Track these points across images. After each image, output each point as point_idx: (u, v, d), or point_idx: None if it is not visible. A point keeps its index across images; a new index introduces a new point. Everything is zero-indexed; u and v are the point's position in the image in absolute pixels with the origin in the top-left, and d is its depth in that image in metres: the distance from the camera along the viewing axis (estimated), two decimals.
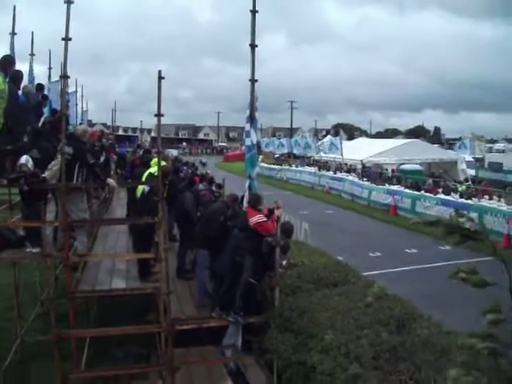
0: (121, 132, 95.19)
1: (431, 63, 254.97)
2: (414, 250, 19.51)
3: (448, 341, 6.90)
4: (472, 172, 39.26)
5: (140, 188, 11.14)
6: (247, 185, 9.80)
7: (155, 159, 12.23)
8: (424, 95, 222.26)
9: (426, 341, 6.90)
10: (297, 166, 50.26)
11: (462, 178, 37.19)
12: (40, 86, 14.74)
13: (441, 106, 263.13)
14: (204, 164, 56.85)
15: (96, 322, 10.16)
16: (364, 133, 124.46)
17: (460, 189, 30.40)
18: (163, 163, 10.92)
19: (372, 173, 39.31)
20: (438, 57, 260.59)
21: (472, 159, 41.22)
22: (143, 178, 11.31)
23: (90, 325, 9.97)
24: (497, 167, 44.51)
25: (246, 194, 9.80)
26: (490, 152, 49.77)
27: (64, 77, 8.60)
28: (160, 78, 8.02)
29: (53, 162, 10.23)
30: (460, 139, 46.42)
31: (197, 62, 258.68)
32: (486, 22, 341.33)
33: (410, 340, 6.94)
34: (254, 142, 9.93)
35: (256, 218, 8.72)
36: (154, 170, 11.28)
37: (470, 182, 34.45)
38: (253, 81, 9.71)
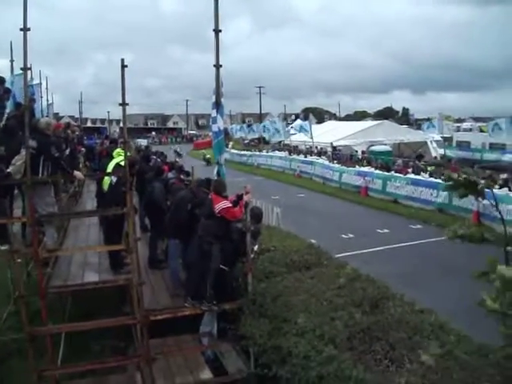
0: (89, 124, 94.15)
1: (397, 45, 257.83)
2: (386, 230, 19.66)
3: (421, 319, 6.97)
4: (441, 151, 39.72)
5: (106, 180, 10.99)
6: (215, 171, 9.73)
7: (118, 150, 12.10)
8: (391, 77, 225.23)
9: (400, 320, 6.96)
10: (267, 151, 50.21)
11: (434, 156, 37.59)
12: (0, 80, 14.39)
13: (408, 87, 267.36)
14: (180, 155, 56.02)
15: (71, 317, 10.01)
16: (333, 116, 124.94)
17: (429, 168, 30.70)
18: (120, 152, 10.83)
19: (342, 155, 39.50)
20: (403, 39, 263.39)
21: (440, 138, 41.66)
22: (109, 169, 11.17)
23: (65, 320, 9.82)
24: (465, 146, 45.06)
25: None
26: (458, 131, 50.30)
27: (25, 69, 8.38)
28: (123, 66, 7.86)
29: (16, 157, 10.03)
30: (428, 119, 46.84)
31: (163, 50, 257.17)
32: (450, 4, 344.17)
33: (383, 319, 6.98)
34: (221, 128, 9.85)
35: (221, 205, 8.67)
36: (119, 159, 11.16)
37: (440, 160, 34.80)
38: (217, 66, 9.60)
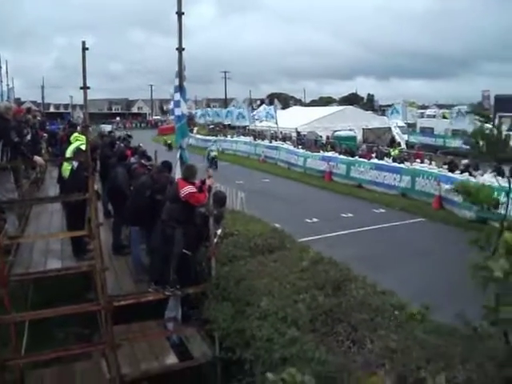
0: (52, 109, 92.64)
1: (362, 32, 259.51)
2: (350, 214, 19.83)
3: (383, 300, 7.05)
4: (404, 137, 40.13)
5: (67, 166, 10.84)
6: (178, 155, 9.67)
7: (75, 134, 11.92)
8: (356, 63, 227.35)
9: (362, 301, 7.03)
10: (232, 137, 50.08)
11: (398, 142, 37.94)
12: None
13: (372, 74, 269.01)
14: (129, 136, 54.86)
15: (34, 306, 9.89)
16: (299, 101, 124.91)
17: (393, 153, 31.00)
18: (83, 138, 10.67)
19: (307, 140, 39.61)
20: (368, 26, 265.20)
21: (404, 125, 42.10)
22: (68, 154, 11.01)
23: (28, 308, 9.70)
24: (428, 132, 45.65)
25: (178, 164, 9.67)
26: (422, 117, 50.89)
27: None
28: (84, 49, 7.77)
29: None
30: (392, 105, 47.31)
31: (126, 34, 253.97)
32: None
33: (345, 302, 7.05)
34: (184, 112, 9.79)
35: (187, 189, 8.61)
36: (77, 144, 11.01)
37: (403, 146, 35.12)
38: (180, 49, 9.53)
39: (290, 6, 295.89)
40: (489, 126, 2.23)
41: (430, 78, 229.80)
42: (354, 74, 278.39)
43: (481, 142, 2.20)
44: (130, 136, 24.63)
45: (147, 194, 10.05)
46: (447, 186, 19.07)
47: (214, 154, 36.09)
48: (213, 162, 33.70)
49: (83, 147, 10.40)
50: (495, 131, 2.17)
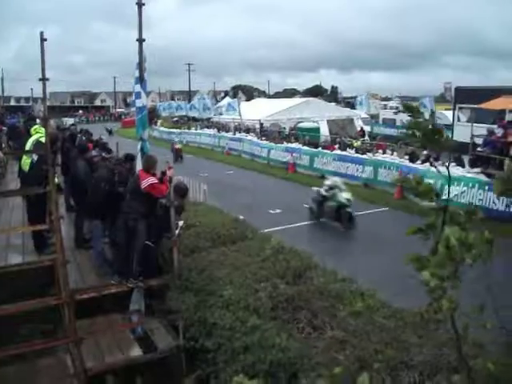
0: (13, 102, 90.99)
1: (324, 24, 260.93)
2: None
3: (343, 288, 7.19)
4: (367, 128, 40.55)
5: (26, 159, 10.72)
6: (139, 147, 9.64)
7: (36, 126, 11.78)
8: (319, 55, 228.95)
9: (322, 289, 7.16)
10: (196, 129, 49.91)
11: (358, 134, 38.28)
12: None
13: (334, 66, 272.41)
14: (110, 132, 54.64)
15: None
16: (263, 93, 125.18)
17: (355, 144, 31.30)
18: (43, 130, 10.57)
19: (270, 132, 39.71)
20: (331, 18, 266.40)
21: (367, 116, 42.54)
22: (27, 147, 10.89)
23: None
24: (390, 123, 46.21)
25: (139, 156, 9.65)
26: (385, 109, 51.45)
27: None
28: (42, 39, 7.71)
29: None
30: (355, 98, 47.80)
31: (88, 26, 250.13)
32: None
33: (306, 289, 7.17)
34: (145, 104, 9.77)
35: (148, 181, 8.60)
36: (37, 136, 10.89)
37: (366, 137, 35.50)
38: (140, 40, 9.50)
39: None
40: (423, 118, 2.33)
41: (392, 71, 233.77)
42: (317, 67, 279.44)
43: (417, 134, 2.29)
44: (110, 132, 24.45)
45: (105, 186, 10.02)
46: (409, 176, 19.36)
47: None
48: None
49: (43, 140, 10.32)
50: (430, 124, 2.26)
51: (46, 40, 7.72)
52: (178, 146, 35.83)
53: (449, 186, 3.38)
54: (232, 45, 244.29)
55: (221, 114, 46.73)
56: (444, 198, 2.43)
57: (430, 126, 2.16)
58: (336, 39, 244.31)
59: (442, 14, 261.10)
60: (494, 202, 16.18)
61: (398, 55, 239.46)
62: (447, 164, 15.70)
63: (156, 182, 8.62)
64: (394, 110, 49.64)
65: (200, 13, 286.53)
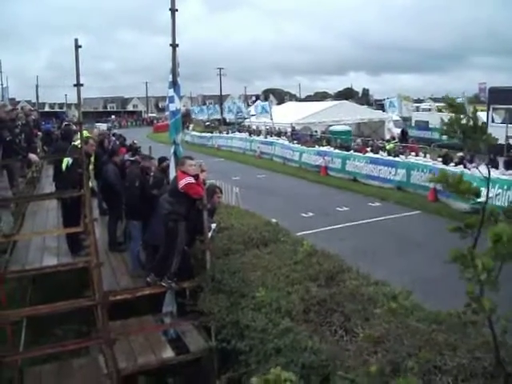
0: (47, 109, 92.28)
1: (349, 27, 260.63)
2: (346, 208, 19.88)
3: (375, 290, 7.13)
4: (398, 130, 40.23)
5: (65, 161, 10.90)
6: (172, 151, 9.70)
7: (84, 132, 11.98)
8: (346, 58, 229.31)
9: (355, 291, 7.10)
10: (227, 133, 50.07)
11: (388, 137, 37.97)
12: None
13: (363, 69, 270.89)
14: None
15: (33, 304, 9.94)
16: (294, 97, 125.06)
17: (388, 147, 31.08)
18: (86, 134, 10.74)
19: (302, 135, 39.65)
20: (355, 20, 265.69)
21: (399, 118, 42.21)
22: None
23: (26, 306, 9.75)
24: (423, 125, 45.77)
25: (172, 159, 9.71)
26: (417, 111, 50.97)
27: None
28: (77, 47, 7.82)
29: None
30: (388, 99, 47.42)
31: (117, 34, 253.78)
32: None
33: (338, 292, 7.13)
34: (178, 108, 9.81)
35: (185, 180, 8.65)
36: (76, 142, 11.06)
37: (396, 140, 35.19)
38: (174, 45, 9.57)
39: (277, 2, 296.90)
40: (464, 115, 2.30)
41: (420, 72, 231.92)
42: (345, 69, 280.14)
43: (458, 131, 2.26)
44: (122, 136, 24.70)
45: (136, 184, 10.19)
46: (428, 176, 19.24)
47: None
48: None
49: (77, 144, 10.48)
50: (471, 120, 2.23)
51: (80, 47, 7.83)
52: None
53: (488, 186, 3.34)
54: (259, 49, 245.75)
55: (252, 117, 46.76)
56: (479, 200, 2.41)
57: (472, 123, 2.13)
58: (361, 41, 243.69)
59: (467, 13, 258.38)
60: None
61: (426, 56, 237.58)
62: (487, 164, 15.57)
63: (193, 182, 8.66)
64: (427, 112, 49.28)
65: (225, 18, 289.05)
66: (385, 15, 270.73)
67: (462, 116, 2.16)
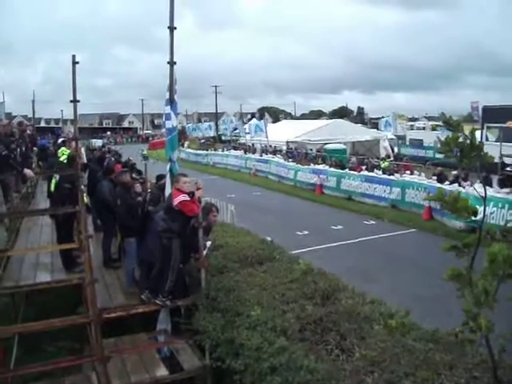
0: (43, 124, 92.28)
1: (343, 46, 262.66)
2: (340, 227, 19.87)
3: (371, 309, 7.11)
4: (394, 149, 40.34)
5: (53, 181, 10.91)
6: (168, 168, 9.69)
7: (62, 148, 11.99)
8: (340, 77, 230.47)
9: (351, 311, 7.09)
10: (223, 150, 50.14)
11: (383, 155, 38.05)
12: None
13: (357, 87, 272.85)
14: (146, 158, 54.45)
15: (25, 320, 9.87)
16: (289, 115, 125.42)
17: (382, 165, 31.15)
18: (68, 151, 10.76)
19: (297, 153, 39.74)
20: (349, 39, 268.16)
21: (394, 137, 42.35)
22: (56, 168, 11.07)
23: (18, 323, 9.68)
24: (417, 144, 45.94)
25: (168, 177, 9.70)
26: (412, 129, 51.19)
27: None
28: (74, 62, 7.85)
29: None
30: (382, 118, 47.64)
31: (112, 51, 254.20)
32: (387, 8, 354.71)
33: (334, 311, 7.11)
34: (175, 125, 9.82)
35: (180, 198, 8.64)
36: (64, 158, 11.07)
37: (391, 158, 35.28)
38: (171, 63, 9.60)
39: (269, 21, 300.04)
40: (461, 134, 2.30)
41: (414, 91, 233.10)
42: (339, 88, 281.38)
43: (454, 150, 2.26)
44: (118, 153, 24.70)
45: (118, 202, 10.24)
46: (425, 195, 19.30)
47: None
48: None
49: (64, 160, 10.49)
50: (468, 139, 2.23)
51: (77, 63, 7.85)
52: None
53: (484, 205, 3.33)
54: (253, 67, 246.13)
55: (248, 135, 46.87)
56: (475, 218, 2.41)
57: (469, 142, 2.13)
58: (355, 60, 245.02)
59: (460, 34, 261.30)
60: None
61: (419, 75, 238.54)
62: (482, 182, 15.59)
63: (188, 199, 8.65)
64: (421, 131, 49.44)
65: (219, 36, 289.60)
66: (378, 34, 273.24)
67: (459, 134, 2.17)
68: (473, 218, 2.37)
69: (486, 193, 2.44)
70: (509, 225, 15.45)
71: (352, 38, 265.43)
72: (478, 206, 2.74)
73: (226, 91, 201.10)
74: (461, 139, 2.21)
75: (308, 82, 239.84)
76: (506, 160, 21.86)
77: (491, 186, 20.28)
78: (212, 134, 59.14)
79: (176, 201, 8.64)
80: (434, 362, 5.34)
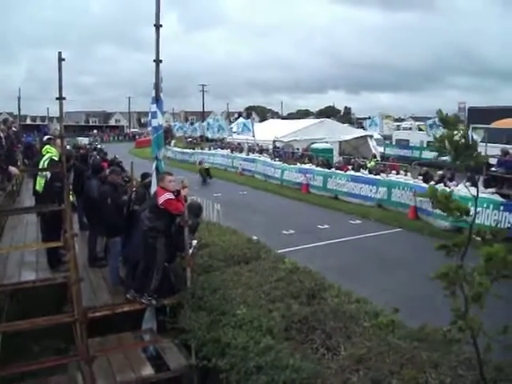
0: (29, 121, 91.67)
1: (327, 45, 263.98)
2: (326, 226, 19.85)
3: (357, 308, 7.13)
4: (380, 149, 40.46)
5: (40, 180, 10.81)
6: (154, 166, 9.66)
7: (46, 146, 11.88)
8: (325, 76, 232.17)
9: (336, 309, 7.10)
10: (210, 149, 50.03)
11: (373, 154, 38.15)
12: None
13: (342, 87, 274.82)
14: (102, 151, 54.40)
15: (10, 319, 9.79)
16: (276, 114, 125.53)
17: (369, 165, 31.23)
18: (54, 150, 10.69)
19: (284, 153, 39.73)
20: (332, 40, 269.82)
21: (380, 137, 42.50)
22: (41, 166, 10.94)
23: (2, 322, 9.59)
24: (403, 144, 46.15)
25: (154, 175, 9.67)
26: (398, 129, 51.39)
27: None
28: (60, 59, 7.80)
29: None
30: (369, 118, 47.81)
31: (96, 49, 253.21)
32: (370, 9, 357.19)
33: (320, 310, 7.12)
34: (161, 123, 9.80)
35: (165, 196, 8.62)
36: (50, 155, 10.96)
37: (378, 158, 35.40)
38: (157, 61, 9.58)
39: (253, 21, 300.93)
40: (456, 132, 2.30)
41: (399, 91, 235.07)
42: (324, 88, 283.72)
43: (448, 148, 2.26)
44: (103, 151, 24.64)
45: (108, 202, 10.16)
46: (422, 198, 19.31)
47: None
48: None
49: (55, 158, 10.40)
50: (463, 137, 2.23)
51: (63, 60, 7.80)
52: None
53: (476, 205, 3.37)
54: (237, 66, 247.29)
55: (235, 134, 46.80)
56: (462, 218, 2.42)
57: (463, 141, 2.13)
58: (339, 60, 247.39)
59: (441, 34, 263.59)
60: (509, 222, 16.02)
61: (402, 75, 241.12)
62: (473, 181, 15.67)
63: (172, 198, 8.64)
64: (407, 131, 49.69)
65: (203, 36, 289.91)
66: (362, 35, 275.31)
67: (455, 132, 2.17)
68: (464, 218, 2.37)
69: (478, 192, 2.45)
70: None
71: (336, 39, 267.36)
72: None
73: (212, 90, 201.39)
74: (456, 137, 2.21)
75: (293, 81, 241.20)
76: (491, 160, 21.97)
77: (476, 186, 20.39)
78: (199, 133, 58.98)
79: (161, 199, 8.62)
80: (419, 361, 5.36)
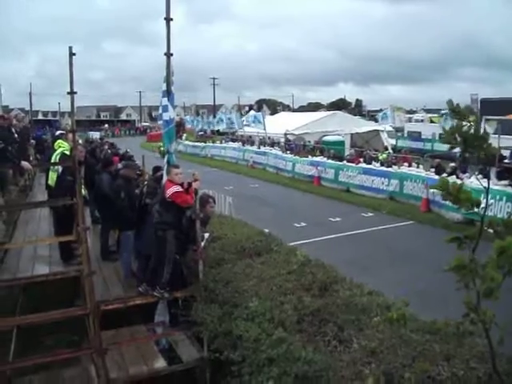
0: (40, 116, 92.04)
1: (336, 38, 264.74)
2: (338, 219, 19.84)
3: (369, 301, 7.11)
4: (392, 141, 40.30)
5: (52, 174, 10.86)
6: (165, 160, 9.66)
7: (58, 141, 11.93)
8: (335, 69, 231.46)
9: (348, 302, 7.09)
10: (221, 142, 50.03)
11: (385, 146, 38.02)
12: None
13: (351, 80, 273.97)
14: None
15: (24, 313, 9.86)
16: (287, 107, 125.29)
17: (381, 157, 31.11)
18: (66, 144, 10.72)
19: (295, 145, 39.66)
20: (341, 32, 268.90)
21: (392, 129, 42.33)
22: (54, 160, 10.98)
23: (17, 315, 9.66)
24: (415, 136, 45.93)
25: (165, 169, 9.68)
26: (410, 122, 51.15)
27: None
28: (71, 54, 7.79)
29: None
30: (381, 110, 47.61)
31: (105, 45, 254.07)
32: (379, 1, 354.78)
33: (332, 302, 7.11)
34: (172, 117, 9.78)
35: (173, 189, 8.62)
36: (62, 149, 11.00)
37: (390, 151, 35.25)
38: (168, 55, 9.56)
39: (262, 14, 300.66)
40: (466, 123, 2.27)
41: (409, 83, 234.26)
42: (334, 80, 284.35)
43: (458, 139, 2.24)
44: (114, 145, 24.63)
45: (122, 196, 10.18)
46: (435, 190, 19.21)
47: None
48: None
49: (67, 152, 10.44)
50: (473, 128, 2.21)
51: (74, 54, 7.80)
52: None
53: (487, 197, 3.35)
54: (247, 60, 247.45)
55: (246, 127, 46.73)
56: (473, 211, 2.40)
57: (473, 132, 2.11)
58: (348, 53, 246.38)
59: (451, 26, 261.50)
60: None
61: (412, 68, 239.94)
62: (485, 174, 15.59)
63: (180, 190, 8.64)
64: (419, 123, 49.42)
65: (212, 29, 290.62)
66: (371, 28, 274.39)
67: (464, 124, 2.14)
68: (475, 210, 2.35)
69: (489, 184, 2.43)
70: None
71: (345, 31, 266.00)
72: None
73: (221, 84, 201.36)
74: (465, 128, 2.19)
75: (303, 74, 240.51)
76: (504, 152, 21.82)
77: (489, 178, 20.27)
78: (211, 126, 58.92)
79: (168, 192, 8.63)
80: (431, 354, 5.34)
